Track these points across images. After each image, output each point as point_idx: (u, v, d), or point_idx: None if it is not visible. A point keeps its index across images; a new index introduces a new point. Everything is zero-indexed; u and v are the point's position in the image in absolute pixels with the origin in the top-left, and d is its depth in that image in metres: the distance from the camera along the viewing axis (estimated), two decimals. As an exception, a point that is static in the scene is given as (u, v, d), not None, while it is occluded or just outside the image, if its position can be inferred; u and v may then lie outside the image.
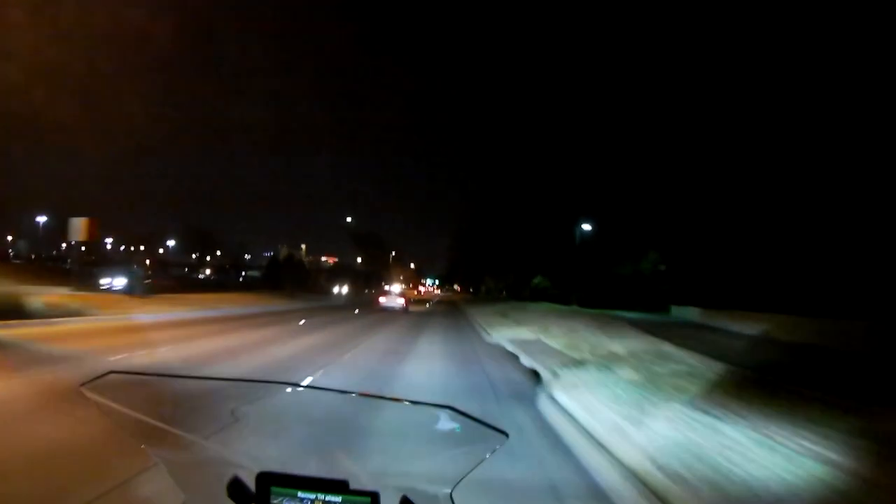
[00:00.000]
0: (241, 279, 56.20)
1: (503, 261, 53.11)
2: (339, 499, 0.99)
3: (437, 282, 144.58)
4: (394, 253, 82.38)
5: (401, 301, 26.66)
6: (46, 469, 3.18)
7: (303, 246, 78.25)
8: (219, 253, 74.14)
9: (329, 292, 47.20)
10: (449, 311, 29.10)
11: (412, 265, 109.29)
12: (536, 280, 44.43)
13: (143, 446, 1.32)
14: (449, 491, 1.03)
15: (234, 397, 1.63)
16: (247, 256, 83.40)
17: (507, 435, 1.01)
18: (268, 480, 1.03)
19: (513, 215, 46.13)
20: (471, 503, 1.16)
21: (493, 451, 1.02)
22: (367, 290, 60.60)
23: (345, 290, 51.31)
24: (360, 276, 76.06)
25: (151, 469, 2.45)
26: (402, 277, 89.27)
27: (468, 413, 1.03)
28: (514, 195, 45.80)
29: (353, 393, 1.51)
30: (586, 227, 27.72)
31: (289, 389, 1.55)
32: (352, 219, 53.72)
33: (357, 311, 24.04)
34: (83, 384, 1.20)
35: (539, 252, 42.25)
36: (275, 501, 1.02)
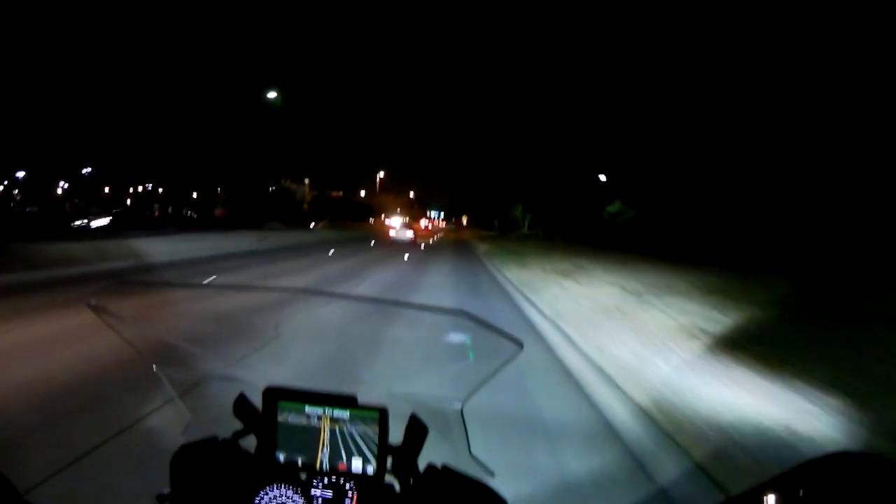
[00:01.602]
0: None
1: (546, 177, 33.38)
2: (346, 414, 0.93)
3: (442, 214, 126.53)
4: (381, 174, 61.01)
5: (410, 234, 27.51)
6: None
7: (306, 180, 68.03)
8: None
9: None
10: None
11: (412, 194, 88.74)
12: (613, 207, 24.94)
13: (152, 366, 1.15)
14: (460, 406, 0.97)
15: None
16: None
17: (521, 345, 0.93)
18: (274, 395, 0.96)
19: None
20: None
21: (506, 363, 0.93)
22: (315, 224, 39.91)
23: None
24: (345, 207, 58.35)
25: (158, 388, 2.07)
26: (397, 209, 70.88)
27: (482, 319, 0.96)
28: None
29: (365, 300, 2.62)
30: None
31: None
32: (278, 94, 29.71)
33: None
34: (91, 300, 1.10)
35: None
36: (281, 417, 0.95)
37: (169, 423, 2.15)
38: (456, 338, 1.06)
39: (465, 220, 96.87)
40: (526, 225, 47.98)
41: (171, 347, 1.26)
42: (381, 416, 0.91)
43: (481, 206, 63.14)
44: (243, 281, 8.89)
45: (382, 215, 69.26)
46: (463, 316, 1.00)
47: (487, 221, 66.50)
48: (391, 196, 68.21)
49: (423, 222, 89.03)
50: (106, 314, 1.10)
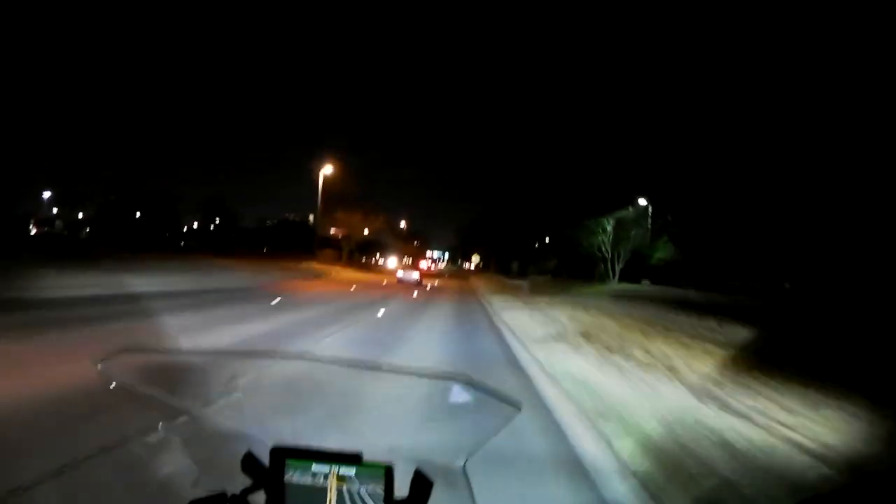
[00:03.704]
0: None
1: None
2: (353, 471, 0.97)
3: (446, 254, 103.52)
4: (327, 169, 34.72)
5: (416, 275, 28.24)
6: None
7: (311, 215, 63.28)
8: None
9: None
10: None
11: (402, 224, 65.82)
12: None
13: (160, 424, 1.34)
14: (462, 463, 1.04)
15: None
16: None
17: (519, 408, 1.00)
18: (282, 454, 1.01)
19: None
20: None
21: (506, 424, 1.02)
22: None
23: None
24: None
25: (166, 446, 2.33)
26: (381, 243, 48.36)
27: (481, 384, 1.05)
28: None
29: (363, 368, 2.05)
30: None
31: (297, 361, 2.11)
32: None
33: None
34: (99, 362, 1.17)
35: None
36: (288, 475, 0.99)
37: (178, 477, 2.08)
38: (458, 399, 1.11)
39: (474, 261, 72.58)
40: (617, 272, 23.22)
41: (177, 407, 1.35)
42: (388, 474, 0.94)
43: (502, 241, 41.02)
44: None
45: (377, 255, 45.08)
46: (464, 381, 1.07)
47: (507, 263, 47.96)
48: (359, 215, 43.81)
49: (424, 264, 66.06)
50: (113, 374, 1.18)
